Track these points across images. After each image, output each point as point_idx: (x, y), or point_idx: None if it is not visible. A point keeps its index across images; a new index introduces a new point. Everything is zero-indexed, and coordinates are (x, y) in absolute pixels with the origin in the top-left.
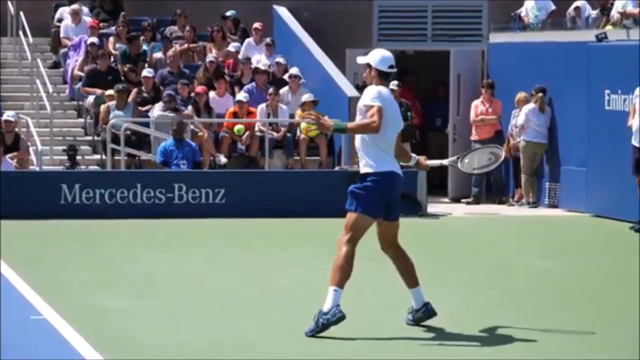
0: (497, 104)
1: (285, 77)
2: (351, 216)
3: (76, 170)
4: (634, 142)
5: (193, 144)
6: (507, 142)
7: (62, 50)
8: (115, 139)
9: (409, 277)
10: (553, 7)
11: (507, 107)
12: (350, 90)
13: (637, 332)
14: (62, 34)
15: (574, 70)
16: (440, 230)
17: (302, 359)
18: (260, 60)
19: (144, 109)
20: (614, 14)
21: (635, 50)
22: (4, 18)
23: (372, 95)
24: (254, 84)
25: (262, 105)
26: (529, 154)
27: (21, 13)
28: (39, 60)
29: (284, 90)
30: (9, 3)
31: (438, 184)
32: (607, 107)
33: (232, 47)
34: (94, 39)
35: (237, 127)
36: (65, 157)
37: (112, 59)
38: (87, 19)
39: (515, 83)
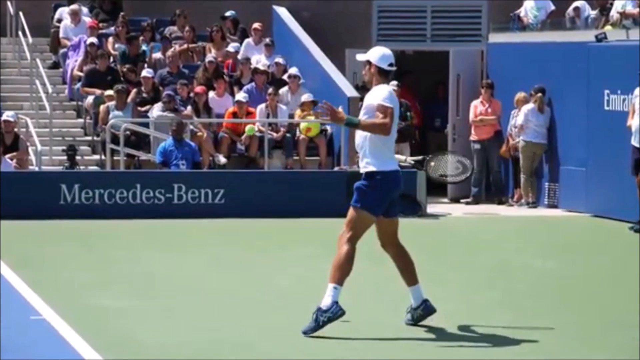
0: (497, 104)
1: (285, 77)
2: (355, 213)
3: (75, 171)
4: (634, 142)
5: (192, 144)
6: (507, 142)
7: (62, 51)
8: (115, 139)
9: (409, 275)
10: (552, 7)
11: (506, 107)
12: (349, 91)
13: (637, 332)
14: (61, 34)
15: (573, 71)
16: (440, 231)
17: (302, 359)
18: (259, 60)
19: (144, 109)
20: (614, 14)
21: (634, 50)
22: (4, 18)
23: (385, 95)
24: (253, 84)
25: (262, 106)
26: (528, 154)
27: (20, 13)
28: (38, 61)
29: (283, 90)
30: (9, 3)
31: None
32: (606, 107)
33: (231, 47)
34: (94, 39)
35: (248, 127)
36: (65, 158)
37: (111, 59)
38: (87, 19)
39: (514, 83)
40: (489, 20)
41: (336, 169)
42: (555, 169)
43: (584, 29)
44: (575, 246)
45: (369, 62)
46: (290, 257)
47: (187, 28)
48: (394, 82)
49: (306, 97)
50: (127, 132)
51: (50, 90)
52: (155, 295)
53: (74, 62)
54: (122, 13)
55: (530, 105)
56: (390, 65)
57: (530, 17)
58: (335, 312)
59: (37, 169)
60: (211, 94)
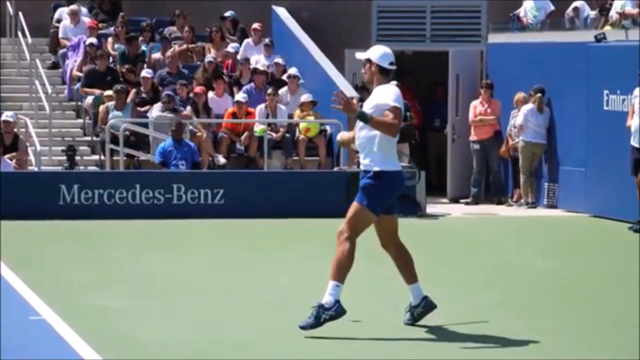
0: (496, 104)
1: (284, 77)
2: (358, 210)
3: (75, 171)
4: (633, 143)
5: (192, 144)
6: (506, 142)
7: (61, 51)
8: (114, 140)
9: (409, 273)
10: (552, 7)
11: (506, 107)
12: (349, 91)
13: (637, 332)
14: (60, 35)
15: (572, 71)
16: (439, 231)
17: (301, 359)
18: (259, 60)
19: (143, 109)
20: (613, 14)
21: (634, 50)
22: (3, 18)
23: (395, 96)
24: (252, 84)
25: (261, 106)
26: (527, 154)
27: (20, 13)
28: (37, 61)
29: (282, 90)
30: (8, 3)
31: (437, 184)
32: (605, 108)
33: (231, 47)
34: (93, 40)
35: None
36: (64, 158)
37: (110, 59)
38: (86, 20)
39: (514, 83)
40: (489, 20)
41: (336, 169)
42: (555, 169)
43: (583, 29)
44: (574, 246)
45: (369, 61)
46: (290, 258)
47: (186, 28)
48: (394, 82)
49: (305, 97)
50: (127, 133)
51: (49, 91)
52: (154, 296)
53: (73, 62)
54: (121, 13)
55: (529, 106)
56: (391, 64)
57: (529, 18)
58: (337, 311)
59: (36, 169)
60: (210, 94)
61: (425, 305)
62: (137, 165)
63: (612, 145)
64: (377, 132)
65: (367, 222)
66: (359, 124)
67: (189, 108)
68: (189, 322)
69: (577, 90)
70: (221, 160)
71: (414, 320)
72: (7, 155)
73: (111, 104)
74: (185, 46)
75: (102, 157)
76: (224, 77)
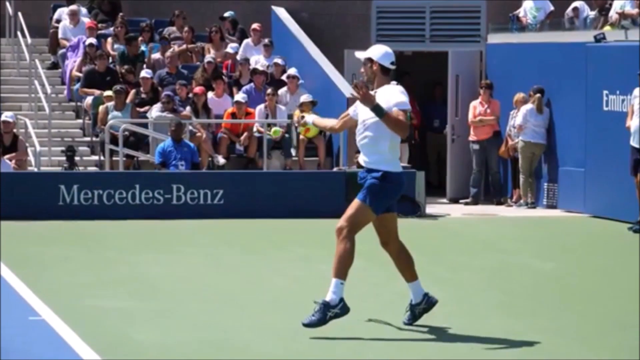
0: (496, 104)
1: (284, 77)
2: (360, 208)
3: (74, 171)
4: (632, 143)
5: (191, 144)
6: (506, 142)
7: (61, 51)
8: (114, 140)
9: (408, 271)
10: (551, 7)
11: (505, 107)
12: (348, 91)
13: (637, 332)
14: (60, 35)
15: (572, 71)
16: (439, 231)
17: (301, 359)
18: (258, 60)
19: (143, 109)
20: (612, 14)
21: (633, 50)
22: (3, 19)
23: (404, 98)
24: (252, 84)
25: (261, 106)
26: (527, 154)
27: (19, 14)
28: (37, 61)
29: (282, 90)
30: (7, 4)
31: (436, 184)
32: (605, 108)
33: (230, 47)
34: (92, 40)
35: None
36: (64, 158)
37: (110, 59)
38: (86, 20)
39: (513, 84)
40: (488, 20)
41: (335, 169)
42: (554, 169)
43: (582, 30)
44: (574, 246)
45: (370, 60)
46: (289, 258)
47: (186, 29)
48: (394, 82)
49: (305, 97)
50: (126, 133)
51: (49, 91)
52: (153, 296)
53: (72, 62)
54: (121, 14)
55: (529, 106)
56: (392, 63)
57: (529, 18)
58: (342, 310)
59: (36, 169)
60: (210, 94)
61: (427, 302)
62: (136, 166)
63: (611, 145)
64: (387, 133)
65: (367, 220)
66: (364, 123)
67: (188, 108)
68: (188, 323)
69: (576, 90)
70: (221, 160)
71: (414, 319)
72: (6, 156)
73: (111, 104)
74: (184, 46)
75: (102, 158)
76: (223, 77)
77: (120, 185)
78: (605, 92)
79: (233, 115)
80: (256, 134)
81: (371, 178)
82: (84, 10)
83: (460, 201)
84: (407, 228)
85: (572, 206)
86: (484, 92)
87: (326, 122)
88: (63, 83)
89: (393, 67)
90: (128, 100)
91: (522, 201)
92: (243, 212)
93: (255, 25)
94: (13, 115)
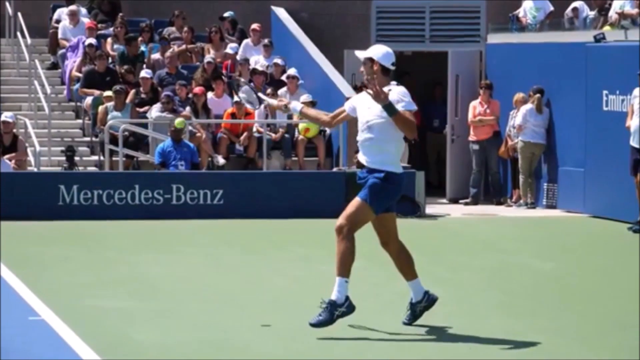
0: (495, 104)
1: (283, 77)
2: (361, 207)
3: (74, 172)
4: (632, 143)
5: (191, 145)
6: (505, 142)
7: (60, 52)
8: (114, 140)
9: (408, 269)
10: (551, 7)
11: (505, 107)
12: (348, 91)
13: (637, 332)
14: (60, 35)
15: (571, 71)
16: (439, 231)
17: (301, 359)
18: (258, 61)
19: (142, 110)
20: (612, 14)
21: (633, 50)
22: (2, 19)
23: (409, 99)
24: (252, 84)
25: (260, 106)
26: (526, 154)
27: (19, 14)
28: (37, 62)
29: (282, 91)
30: (7, 4)
31: (436, 184)
32: (605, 108)
33: (230, 48)
34: (92, 40)
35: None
36: (64, 158)
37: (110, 60)
38: (85, 20)
39: (513, 84)
40: (488, 20)
41: (335, 169)
42: (554, 169)
43: (582, 30)
44: (574, 247)
45: (371, 60)
46: (289, 258)
47: (185, 29)
48: (394, 83)
49: (305, 97)
50: (126, 133)
51: (49, 91)
52: (153, 296)
53: (72, 63)
54: (120, 14)
55: (528, 106)
56: (393, 64)
57: (529, 18)
58: (349, 308)
59: (35, 169)
60: (210, 94)
61: (428, 300)
62: (136, 166)
63: (611, 145)
64: (393, 135)
65: (367, 219)
66: (368, 124)
67: (188, 108)
68: (188, 323)
69: (576, 90)
70: (220, 160)
71: (415, 318)
72: (6, 156)
73: (110, 104)
74: (184, 47)
75: (102, 158)
76: (223, 77)
77: (120, 185)
78: (605, 92)
79: (233, 116)
80: (256, 134)
81: (373, 178)
82: (83, 10)
83: (460, 201)
84: (407, 228)
85: (571, 206)
86: (484, 92)
87: (318, 114)
88: (63, 83)
89: (394, 67)
90: (128, 101)
91: (521, 201)
92: (243, 212)
93: (255, 26)
94: (13, 115)
